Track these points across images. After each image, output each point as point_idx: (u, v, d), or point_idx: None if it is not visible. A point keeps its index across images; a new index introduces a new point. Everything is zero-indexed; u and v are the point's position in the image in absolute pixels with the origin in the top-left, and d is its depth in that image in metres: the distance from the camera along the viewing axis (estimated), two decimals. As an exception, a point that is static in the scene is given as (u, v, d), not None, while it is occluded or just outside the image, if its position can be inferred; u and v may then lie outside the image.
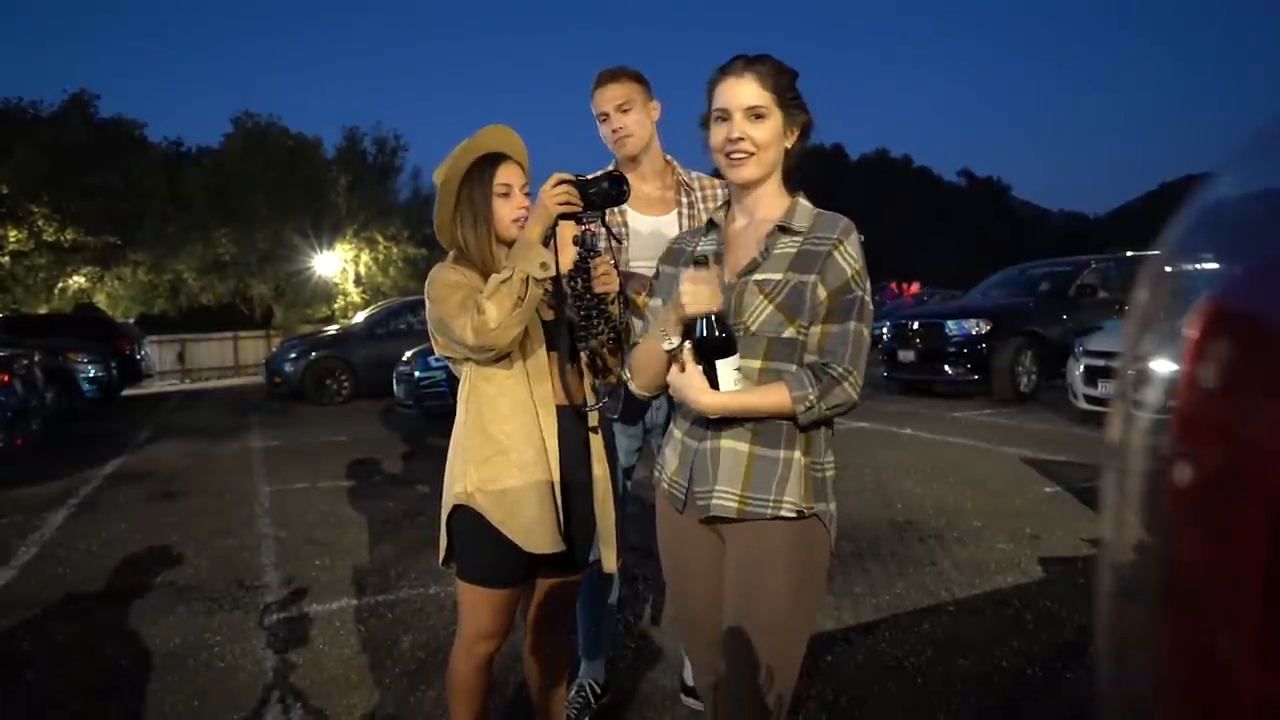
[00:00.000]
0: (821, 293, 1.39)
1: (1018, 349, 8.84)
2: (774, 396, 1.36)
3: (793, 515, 1.40)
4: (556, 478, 1.71)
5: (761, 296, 1.40)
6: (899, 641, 2.80)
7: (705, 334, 1.37)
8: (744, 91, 1.42)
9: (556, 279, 1.70)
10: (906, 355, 9.66)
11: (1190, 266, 0.63)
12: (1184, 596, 0.50)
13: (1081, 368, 6.95)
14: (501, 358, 1.69)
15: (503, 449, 1.69)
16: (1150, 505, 0.56)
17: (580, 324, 1.75)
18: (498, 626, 1.77)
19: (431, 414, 8.44)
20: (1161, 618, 0.53)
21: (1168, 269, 0.65)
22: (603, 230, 1.76)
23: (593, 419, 1.83)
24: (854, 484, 5.13)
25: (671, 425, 1.58)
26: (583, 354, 1.81)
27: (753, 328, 1.40)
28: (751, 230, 1.49)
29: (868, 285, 1.42)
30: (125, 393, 12.94)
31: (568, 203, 1.67)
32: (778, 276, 1.40)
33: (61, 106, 23.90)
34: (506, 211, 1.76)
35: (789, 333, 1.39)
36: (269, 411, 10.89)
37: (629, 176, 2.31)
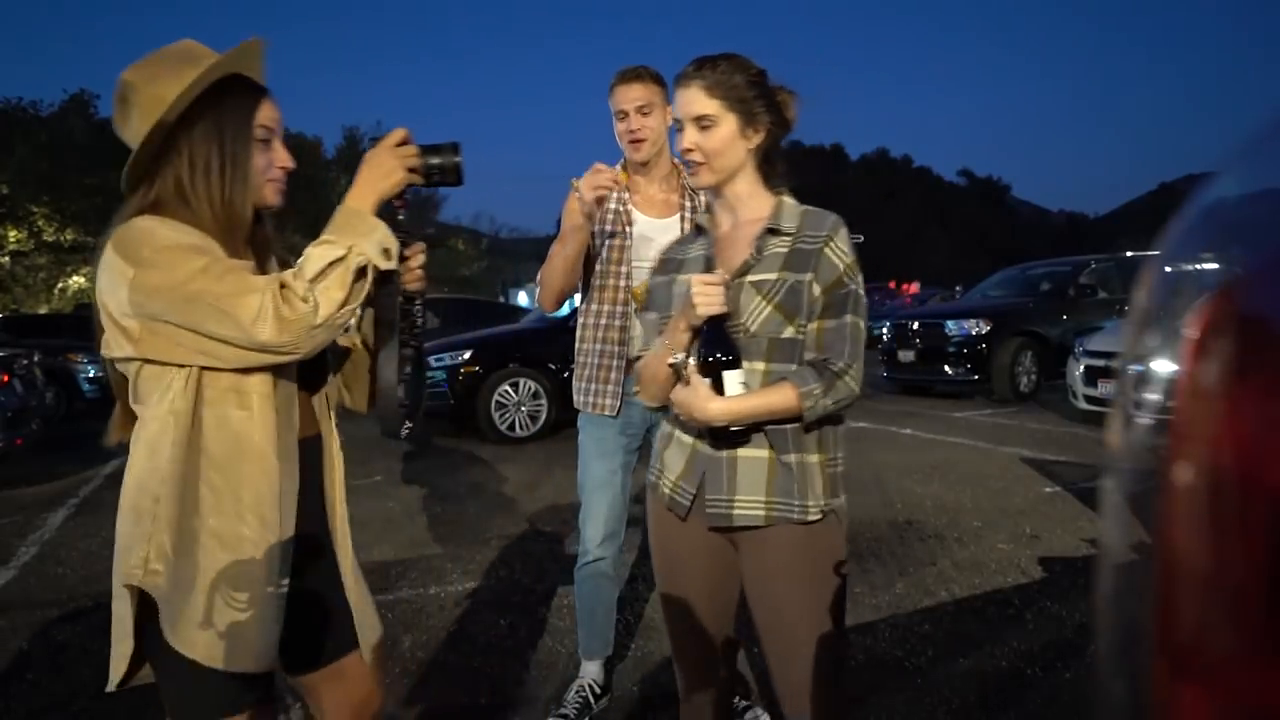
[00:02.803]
0: (816, 290, 1.39)
1: (1018, 349, 8.84)
2: (780, 396, 1.35)
3: (818, 516, 1.41)
4: (286, 559, 1.24)
5: (759, 297, 1.39)
6: (899, 641, 2.80)
7: (712, 344, 1.36)
8: (691, 101, 1.42)
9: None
10: (906, 355, 9.66)
11: (1190, 266, 0.63)
12: (1184, 597, 0.50)
13: (1081, 368, 6.95)
14: (255, 371, 1.20)
15: (225, 509, 1.18)
16: (1151, 506, 0.56)
17: (402, 327, 1.35)
18: None
19: (432, 414, 8.44)
20: (1161, 618, 0.53)
21: (1168, 269, 0.65)
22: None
23: (339, 458, 1.46)
24: (854, 484, 5.08)
25: (673, 429, 1.54)
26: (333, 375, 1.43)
27: (752, 328, 1.39)
28: (738, 232, 1.48)
29: (860, 279, 1.42)
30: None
31: (414, 170, 1.28)
32: (773, 276, 1.40)
33: (61, 106, 23.93)
34: (263, 164, 1.27)
35: (789, 333, 1.39)
36: (269, 411, 10.88)
37: (637, 179, 2.32)
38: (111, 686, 1.19)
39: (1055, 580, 3.33)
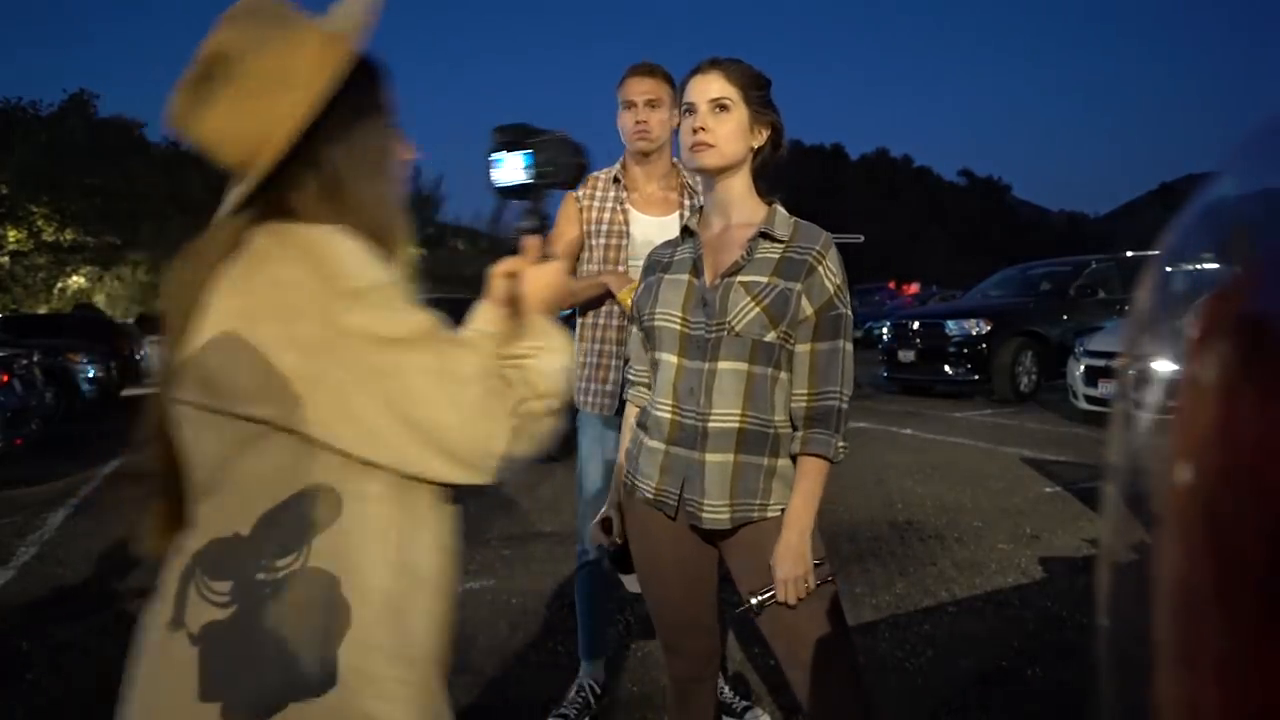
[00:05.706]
0: (807, 308, 1.42)
1: (1018, 349, 8.85)
2: (813, 473, 1.41)
3: (778, 514, 1.45)
4: None
5: (749, 298, 1.42)
6: (899, 641, 2.80)
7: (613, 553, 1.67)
8: (709, 84, 1.47)
9: None
10: (906, 355, 9.64)
11: (1190, 266, 0.63)
12: (1184, 599, 0.50)
13: (1082, 368, 6.95)
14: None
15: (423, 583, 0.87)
16: (1151, 506, 0.56)
17: None
18: None
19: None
20: (1161, 620, 0.53)
21: (1168, 269, 0.65)
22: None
23: None
24: (854, 484, 5.13)
25: (645, 436, 1.56)
26: None
27: (738, 328, 1.42)
28: (729, 235, 1.51)
29: (848, 299, 1.48)
30: (125, 393, 12.95)
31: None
32: (764, 279, 1.42)
33: (61, 106, 23.93)
34: (400, 172, 0.97)
35: (770, 337, 1.42)
36: (269, 411, 10.87)
37: (636, 176, 2.32)
38: None
39: (1055, 580, 3.33)
